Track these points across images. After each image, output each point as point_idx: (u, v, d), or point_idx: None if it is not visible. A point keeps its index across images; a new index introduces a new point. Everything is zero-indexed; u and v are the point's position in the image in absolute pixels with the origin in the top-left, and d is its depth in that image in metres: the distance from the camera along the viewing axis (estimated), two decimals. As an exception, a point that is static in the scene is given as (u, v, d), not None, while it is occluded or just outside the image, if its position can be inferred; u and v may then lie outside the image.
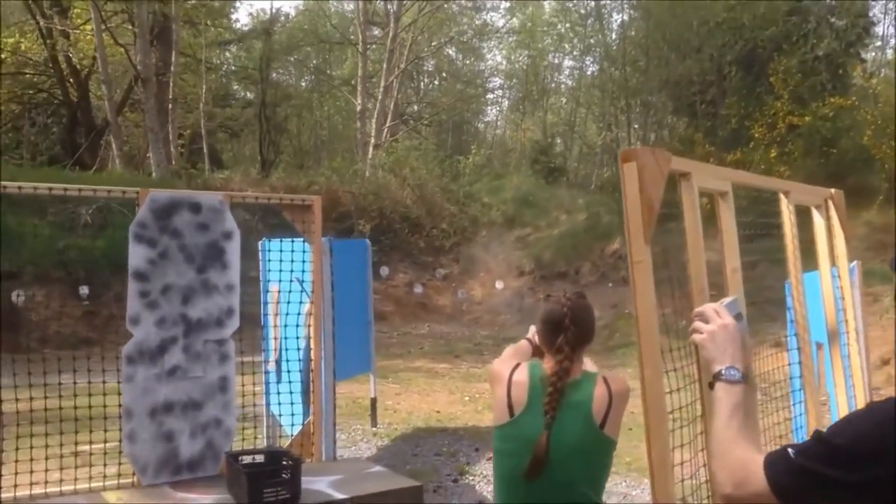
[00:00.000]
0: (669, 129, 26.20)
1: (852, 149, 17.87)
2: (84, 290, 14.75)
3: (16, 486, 4.30)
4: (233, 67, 33.48)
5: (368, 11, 28.41)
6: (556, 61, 36.52)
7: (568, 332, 2.73)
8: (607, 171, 27.67)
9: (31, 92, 25.23)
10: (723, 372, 1.78)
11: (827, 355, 3.58)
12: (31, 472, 4.36)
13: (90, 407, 4.55)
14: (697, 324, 1.89)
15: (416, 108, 35.16)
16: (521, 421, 2.70)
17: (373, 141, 25.16)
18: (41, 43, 23.07)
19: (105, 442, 4.73)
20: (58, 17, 22.29)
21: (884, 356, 9.03)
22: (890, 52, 26.01)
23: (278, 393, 5.69)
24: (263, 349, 6.34)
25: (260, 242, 6.46)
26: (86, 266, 14.92)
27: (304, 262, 5.32)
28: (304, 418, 5.34)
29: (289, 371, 5.53)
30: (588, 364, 2.91)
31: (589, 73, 33.06)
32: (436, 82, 39.06)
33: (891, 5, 24.66)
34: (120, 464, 4.53)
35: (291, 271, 5.34)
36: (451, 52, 36.01)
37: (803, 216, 3.29)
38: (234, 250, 4.80)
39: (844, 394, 3.56)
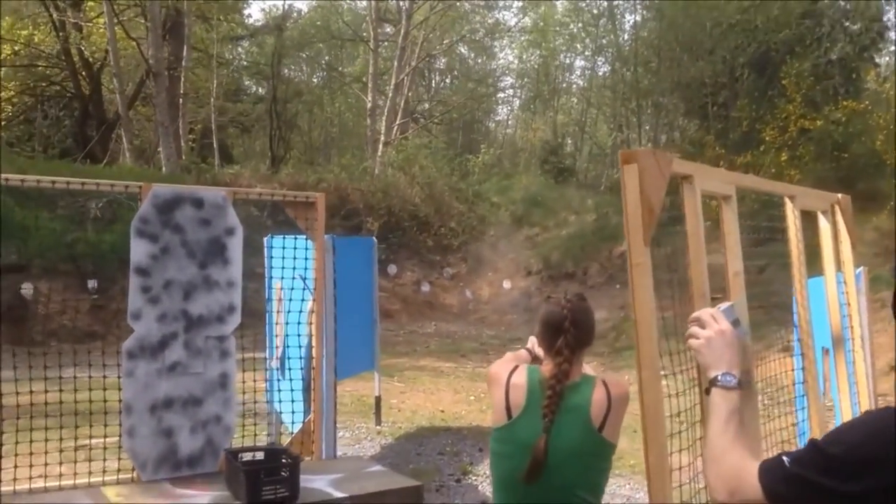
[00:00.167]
0: (680, 131, 26.16)
1: (864, 153, 17.75)
2: (92, 283, 14.78)
3: (15, 479, 4.30)
4: (244, 63, 33.56)
5: (380, 9, 28.42)
6: (568, 61, 36.50)
7: (568, 335, 2.70)
8: (617, 172, 27.47)
9: (43, 84, 25.35)
10: (719, 378, 1.77)
11: (833, 361, 3.54)
12: (31, 465, 4.35)
13: (90, 402, 4.55)
14: (694, 329, 1.88)
15: (426, 105, 35.13)
16: (519, 424, 2.68)
17: (383, 138, 25.15)
18: (54, 35, 23.16)
19: (105, 437, 4.72)
20: (71, 10, 22.35)
21: (891, 362, 8.97)
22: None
23: (279, 390, 5.68)
24: (267, 346, 6.33)
25: (265, 239, 6.44)
26: (94, 260, 14.95)
27: (306, 259, 5.30)
28: (305, 416, 5.32)
29: (290, 368, 5.52)
30: (587, 368, 2.88)
31: (600, 73, 33.07)
32: (447, 80, 39.09)
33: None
34: (120, 459, 4.52)
35: (294, 268, 5.32)
36: (462, 50, 36.00)
37: (812, 221, 3.26)
38: (236, 246, 4.78)
39: (849, 400, 3.53)
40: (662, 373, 2.46)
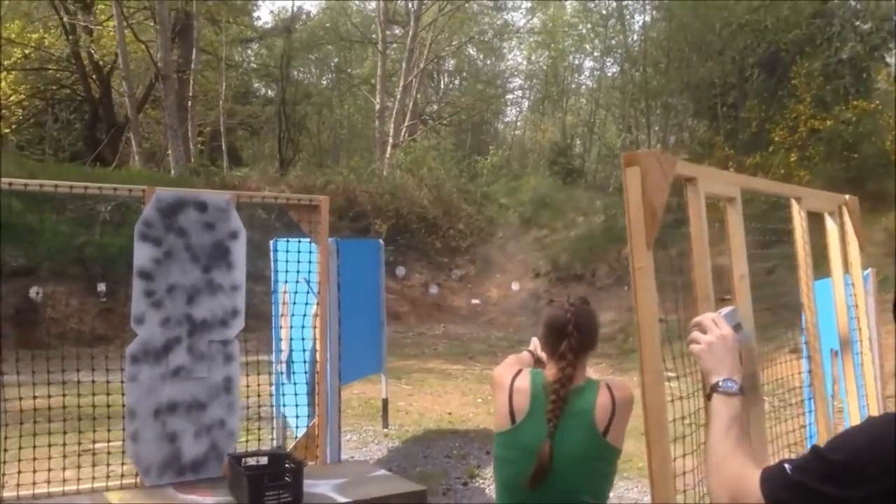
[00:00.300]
0: (690, 132, 26.07)
1: (874, 153, 17.65)
2: (101, 286, 14.81)
3: (19, 484, 4.29)
4: (253, 65, 33.66)
5: (389, 10, 28.42)
6: (577, 62, 36.47)
7: (571, 339, 2.68)
8: (626, 173, 27.42)
9: (53, 88, 25.47)
10: (720, 384, 1.75)
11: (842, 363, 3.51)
12: (35, 471, 4.34)
13: (93, 407, 4.53)
14: (695, 334, 1.85)
15: (435, 107, 35.13)
16: (522, 428, 2.66)
17: (391, 140, 25.15)
18: (64, 39, 23.25)
19: (108, 441, 4.70)
20: (81, 14, 22.45)
21: (898, 365, 8.90)
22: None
23: (283, 395, 5.67)
24: (273, 349, 6.32)
25: (271, 242, 6.43)
26: (103, 263, 14.98)
27: (310, 262, 5.28)
28: (309, 420, 5.30)
29: (295, 372, 5.51)
30: (590, 371, 2.86)
31: (609, 74, 33.01)
32: (456, 82, 39.08)
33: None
34: (123, 464, 4.51)
35: (298, 272, 5.30)
36: (471, 51, 36.02)
37: (820, 222, 3.23)
38: (239, 250, 4.77)
39: (857, 402, 3.50)
40: (671, 374, 2.44)
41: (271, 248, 6.38)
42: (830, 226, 3.33)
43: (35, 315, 13.66)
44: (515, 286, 20.19)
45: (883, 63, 20.23)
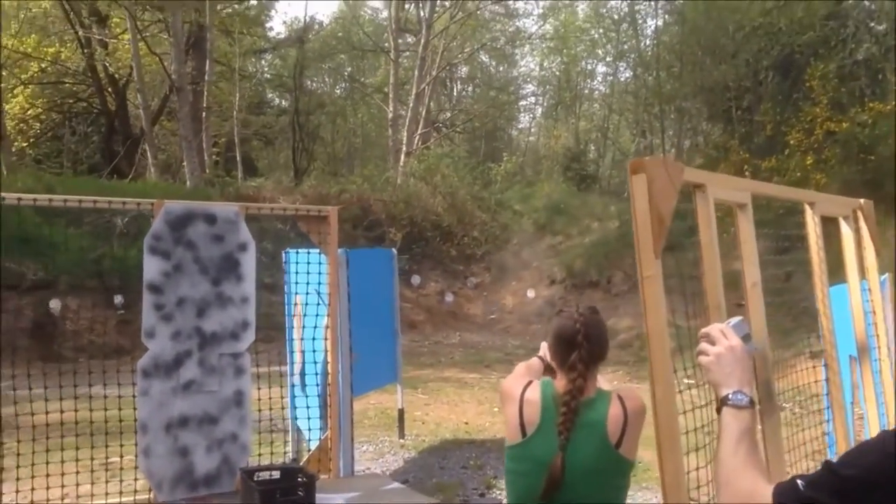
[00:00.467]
0: (704, 136, 25.93)
1: (890, 155, 17.45)
2: (119, 299, 14.86)
3: (33, 502, 4.28)
4: (267, 75, 33.79)
5: (401, 19, 28.44)
6: (590, 67, 36.32)
7: (581, 349, 2.63)
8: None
9: (70, 101, 25.67)
10: (730, 397, 1.71)
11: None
12: (48, 487, 4.33)
13: (106, 422, 4.52)
14: (703, 346, 1.81)
15: (448, 115, 35.10)
16: (533, 441, 2.62)
17: (405, 148, 25.14)
18: (80, 52, 23.44)
19: (121, 456, 4.69)
20: (96, 27, 22.62)
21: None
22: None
23: (297, 407, 5.64)
24: (288, 361, 6.30)
25: (283, 253, 6.42)
26: (120, 275, 15.02)
27: (320, 273, 5.26)
28: (322, 432, 5.27)
29: (307, 384, 5.48)
30: (601, 382, 2.81)
31: (622, 78, 32.87)
32: (468, 89, 39.04)
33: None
34: (136, 479, 4.49)
35: (308, 283, 5.28)
36: (483, 58, 35.96)
37: (836, 227, 3.19)
38: (249, 262, 4.75)
39: (875, 409, 3.44)
40: (690, 382, 2.40)
41: (283, 258, 6.37)
42: (845, 231, 3.29)
43: (54, 328, 13.73)
44: (531, 293, 20.10)
45: (898, 64, 20.07)
